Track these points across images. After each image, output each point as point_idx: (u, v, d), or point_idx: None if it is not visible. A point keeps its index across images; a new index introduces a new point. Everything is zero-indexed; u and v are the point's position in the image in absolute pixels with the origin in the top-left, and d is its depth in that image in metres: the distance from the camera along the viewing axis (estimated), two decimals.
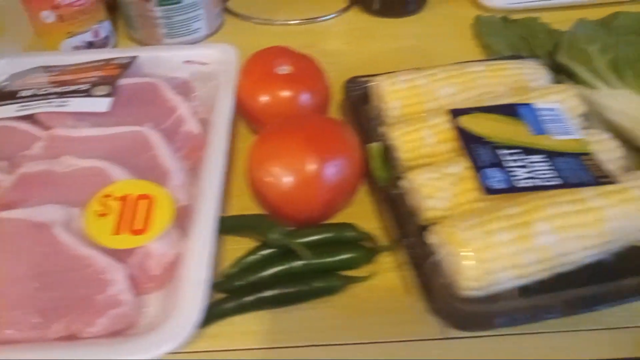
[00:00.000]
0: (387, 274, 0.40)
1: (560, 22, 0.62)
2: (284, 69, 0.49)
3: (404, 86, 0.48)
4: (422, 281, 0.35)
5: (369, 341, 0.37)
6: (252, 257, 0.40)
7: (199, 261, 0.36)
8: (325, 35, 0.70)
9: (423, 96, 0.48)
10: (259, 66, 0.50)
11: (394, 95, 0.47)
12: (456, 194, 0.39)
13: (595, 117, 0.47)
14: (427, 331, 0.37)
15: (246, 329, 0.38)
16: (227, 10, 0.74)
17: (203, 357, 0.37)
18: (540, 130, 0.43)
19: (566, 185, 0.38)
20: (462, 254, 0.34)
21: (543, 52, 0.59)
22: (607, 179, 0.39)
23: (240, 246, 0.42)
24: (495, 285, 0.35)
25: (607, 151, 0.42)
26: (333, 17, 0.73)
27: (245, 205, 0.46)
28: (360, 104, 0.50)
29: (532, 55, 0.58)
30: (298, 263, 0.39)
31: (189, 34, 0.66)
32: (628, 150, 0.44)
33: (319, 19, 0.72)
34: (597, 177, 0.39)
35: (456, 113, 0.44)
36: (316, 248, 0.41)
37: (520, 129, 0.43)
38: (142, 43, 0.67)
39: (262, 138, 0.43)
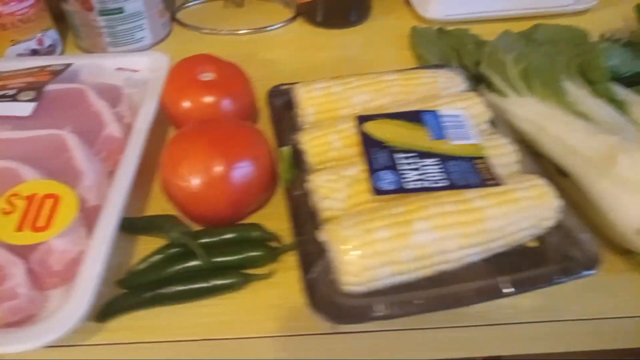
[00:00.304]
0: (289, 272, 0.42)
1: (491, 33, 0.64)
2: (207, 76, 0.51)
3: (320, 93, 0.50)
4: (306, 277, 0.37)
5: (260, 336, 0.38)
6: (158, 256, 0.42)
7: (94, 258, 0.37)
8: (269, 45, 0.72)
9: (338, 103, 0.50)
10: (183, 73, 0.52)
11: (309, 101, 0.49)
12: (351, 195, 0.41)
13: (502, 124, 0.49)
14: (318, 326, 0.38)
15: (146, 323, 0.39)
16: (176, 21, 0.76)
17: (101, 350, 0.38)
18: (439, 136, 0.45)
19: (453, 186, 0.40)
20: (342, 250, 0.36)
21: (471, 62, 0.61)
22: (494, 181, 0.40)
23: (153, 245, 0.44)
24: (375, 281, 0.36)
25: (504, 155, 0.44)
26: (279, 28, 0.75)
27: (163, 207, 0.47)
28: (284, 111, 0.52)
29: (461, 65, 0.61)
30: (204, 261, 0.41)
31: (133, 43, 0.68)
32: (530, 155, 0.46)
33: (265, 29, 0.75)
34: (484, 179, 0.41)
35: (362, 119, 0.46)
36: (222, 247, 0.42)
37: (421, 134, 0.45)
38: (88, 51, 0.69)
39: (173, 141, 0.44)
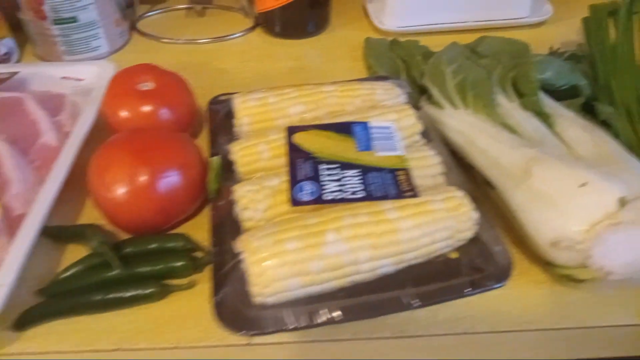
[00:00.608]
0: (210, 283, 0.42)
1: (442, 45, 0.64)
2: (146, 85, 0.52)
3: (255, 103, 0.50)
4: (215, 289, 0.37)
5: (173, 346, 0.38)
6: (80, 264, 0.42)
7: (8, 265, 0.37)
8: (226, 54, 0.73)
9: (273, 113, 0.50)
10: (122, 82, 0.52)
11: (244, 111, 0.50)
12: (271, 205, 0.41)
13: (436, 135, 0.50)
14: (232, 338, 0.38)
15: (62, 332, 0.39)
16: (137, 30, 0.77)
17: (16, 358, 0.38)
18: (366, 147, 0.45)
19: (370, 197, 0.40)
20: (252, 261, 0.36)
21: (417, 73, 0.62)
22: (412, 192, 0.41)
23: (80, 254, 0.44)
24: (286, 292, 0.37)
25: (429, 167, 0.45)
26: (238, 37, 0.76)
27: (97, 215, 0.48)
28: (225, 121, 0.53)
29: (408, 76, 0.62)
30: (120, 271, 0.41)
31: (89, 52, 0.69)
32: (462, 167, 0.46)
33: (224, 38, 0.75)
34: (403, 191, 0.41)
35: (293, 130, 0.47)
36: (145, 257, 0.43)
37: (348, 146, 0.45)
38: (44, 60, 0.69)
39: (99, 151, 0.45)
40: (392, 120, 0.48)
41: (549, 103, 0.49)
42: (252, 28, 0.77)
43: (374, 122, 0.48)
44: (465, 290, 0.37)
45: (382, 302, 0.37)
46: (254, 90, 0.52)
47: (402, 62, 0.64)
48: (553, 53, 0.65)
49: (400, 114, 0.49)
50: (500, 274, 0.38)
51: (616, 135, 0.50)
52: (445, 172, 0.45)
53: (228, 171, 0.46)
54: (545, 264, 0.42)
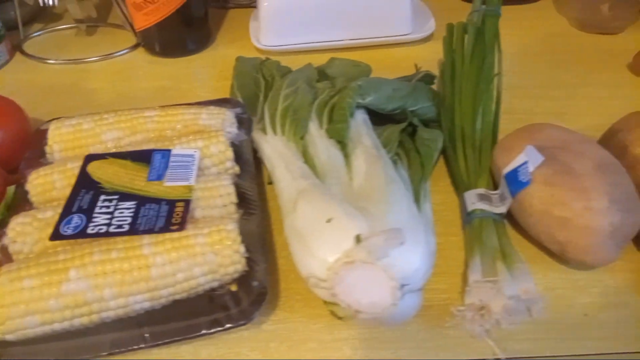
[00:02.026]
0: None
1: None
2: None
3: (68, 130, 0.50)
4: None
5: None
6: None
7: None
8: (102, 74, 0.72)
9: (86, 140, 0.50)
10: None
11: (56, 138, 0.49)
12: (40, 239, 0.41)
13: (247, 162, 0.49)
14: None
15: None
16: (20, 50, 0.77)
17: None
18: (158, 177, 0.44)
19: (132, 232, 0.40)
20: None
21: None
22: (178, 226, 0.40)
23: None
24: (23, 329, 0.36)
25: (219, 197, 0.44)
26: (122, 55, 0.75)
27: None
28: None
29: (265, 97, 0.60)
30: None
31: None
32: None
33: (108, 57, 0.75)
34: (171, 224, 0.40)
35: (90, 158, 0.46)
36: None
37: (139, 175, 0.45)
38: None
39: None
40: (198, 148, 0.47)
41: (360, 130, 0.48)
42: (135, 47, 0.77)
43: (178, 149, 0.47)
44: (204, 330, 0.36)
45: (110, 341, 0.36)
46: (71, 116, 0.51)
47: (266, 83, 0.63)
48: (418, 72, 0.63)
49: (210, 141, 0.48)
50: (241, 314, 0.37)
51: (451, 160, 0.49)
52: (235, 202, 0.44)
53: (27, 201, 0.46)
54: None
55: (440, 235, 0.47)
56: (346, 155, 0.45)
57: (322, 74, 0.60)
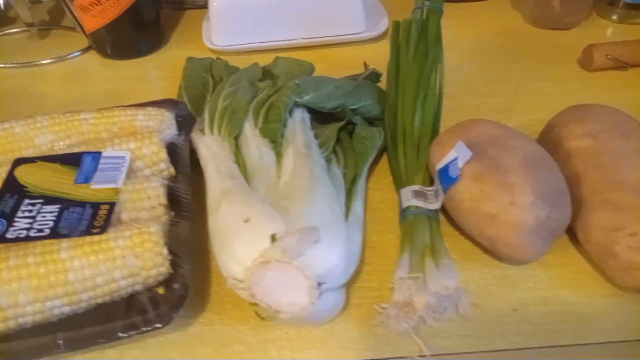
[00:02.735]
0: None
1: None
2: None
3: (0, 134, 0.49)
4: None
5: None
6: None
7: None
8: (53, 78, 0.72)
9: (19, 143, 0.49)
10: None
11: None
12: None
13: (182, 164, 0.48)
14: None
15: None
16: None
17: None
18: (86, 180, 0.44)
19: (53, 235, 0.39)
20: None
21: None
22: (99, 229, 0.39)
23: None
24: None
25: (148, 199, 0.43)
26: (74, 58, 0.75)
27: None
28: None
29: (206, 97, 0.60)
30: None
31: None
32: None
33: (61, 59, 0.74)
34: (92, 227, 0.40)
35: (19, 162, 0.45)
36: None
37: (67, 179, 0.44)
38: None
39: None
40: (130, 149, 0.47)
41: (296, 129, 0.47)
42: (87, 49, 0.76)
43: (109, 151, 0.46)
44: (121, 334, 0.36)
45: (30, 347, 0.35)
46: (6, 120, 0.50)
47: (214, 83, 0.63)
48: (367, 70, 0.63)
49: (142, 142, 0.47)
50: (159, 317, 0.36)
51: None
52: (165, 204, 0.43)
53: None
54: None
55: (377, 233, 0.47)
56: (278, 155, 0.44)
57: (267, 73, 0.60)
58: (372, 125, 0.56)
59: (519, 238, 0.40)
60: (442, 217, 0.47)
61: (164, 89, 0.68)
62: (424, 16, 0.59)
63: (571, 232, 0.45)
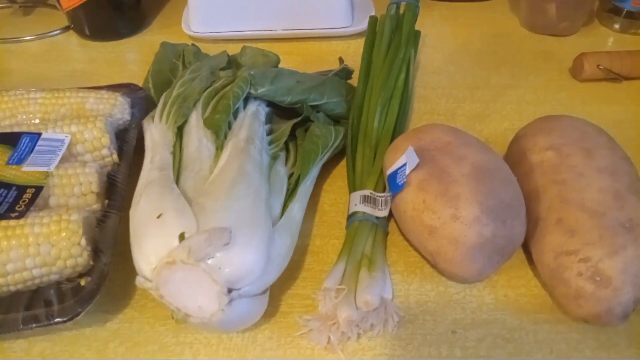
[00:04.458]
0: None
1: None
2: None
3: None
4: None
5: None
6: None
7: None
8: (26, 55, 0.70)
9: None
10: None
11: None
12: None
13: (127, 151, 0.46)
14: None
15: None
16: None
17: None
18: (19, 161, 0.42)
19: None
20: None
21: None
22: (17, 214, 0.38)
23: None
24: None
25: (79, 185, 0.42)
26: (55, 36, 0.73)
27: None
28: None
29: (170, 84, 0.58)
30: None
31: None
32: None
33: (42, 36, 0.73)
34: (12, 211, 0.38)
35: None
36: None
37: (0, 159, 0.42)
38: None
39: None
40: (71, 132, 0.45)
41: (245, 122, 0.45)
42: (66, 28, 0.74)
43: (49, 133, 0.45)
44: (23, 325, 0.34)
45: None
46: None
47: (172, 70, 0.61)
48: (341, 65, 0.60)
49: (85, 126, 0.46)
50: (64, 311, 0.34)
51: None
52: (97, 192, 0.42)
53: None
54: None
55: (322, 237, 0.45)
56: (219, 148, 0.42)
57: (234, 62, 0.57)
58: (338, 124, 0.54)
59: (459, 255, 0.37)
60: (395, 226, 0.45)
61: (136, 72, 0.66)
62: (401, 12, 0.56)
63: (528, 249, 0.41)
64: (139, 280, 0.34)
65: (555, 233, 0.38)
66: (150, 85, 0.59)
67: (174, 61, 0.63)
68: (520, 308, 0.39)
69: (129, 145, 0.48)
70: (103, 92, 0.51)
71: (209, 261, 0.32)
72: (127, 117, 0.51)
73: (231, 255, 0.32)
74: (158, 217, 0.34)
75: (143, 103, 0.53)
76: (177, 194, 0.36)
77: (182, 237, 0.32)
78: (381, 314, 0.36)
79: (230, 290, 0.32)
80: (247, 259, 0.33)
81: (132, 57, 0.70)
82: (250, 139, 0.42)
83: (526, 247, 0.41)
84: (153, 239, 0.33)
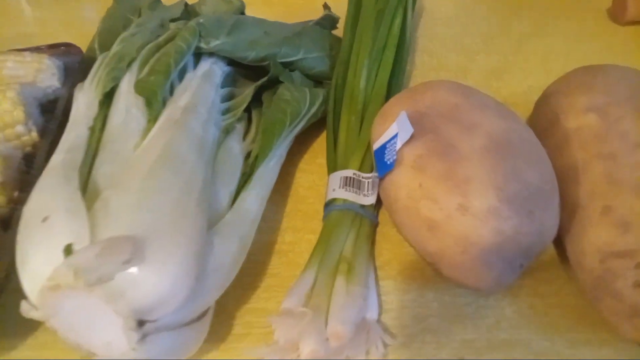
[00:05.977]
0: None
1: None
2: None
3: None
4: None
5: None
6: None
7: None
8: None
9: None
10: None
11: None
12: None
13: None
14: None
15: None
16: None
17: None
18: None
19: None
20: None
21: None
22: None
23: None
24: None
25: None
26: None
27: None
28: None
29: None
30: None
31: None
32: None
33: None
34: None
35: None
36: None
37: None
38: None
39: None
40: None
41: (190, 86, 0.35)
42: None
43: None
44: None
45: None
46: None
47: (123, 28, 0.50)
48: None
49: None
50: None
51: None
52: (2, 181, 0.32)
53: None
54: None
55: (294, 231, 0.36)
56: (151, 121, 0.32)
57: (193, 13, 0.47)
58: (320, 85, 0.43)
59: (469, 259, 0.27)
60: (387, 215, 0.35)
61: (84, 34, 0.55)
62: None
63: (562, 245, 0.31)
64: (24, 308, 0.24)
65: (601, 227, 0.28)
66: (96, 46, 0.48)
67: (129, 17, 0.52)
68: (551, 324, 0.30)
69: (55, 121, 0.38)
70: (26, 54, 0.42)
71: (110, 284, 0.22)
72: (57, 84, 0.41)
73: (139, 276, 0.23)
74: (43, 220, 0.24)
75: (82, 66, 0.43)
76: (75, 186, 0.26)
77: (68, 250, 0.23)
78: (362, 342, 0.27)
79: (142, 323, 0.23)
80: (163, 280, 0.23)
81: (92, 16, 0.59)
82: (192, 106, 0.32)
83: (559, 241, 0.31)
84: (37, 251, 0.24)
